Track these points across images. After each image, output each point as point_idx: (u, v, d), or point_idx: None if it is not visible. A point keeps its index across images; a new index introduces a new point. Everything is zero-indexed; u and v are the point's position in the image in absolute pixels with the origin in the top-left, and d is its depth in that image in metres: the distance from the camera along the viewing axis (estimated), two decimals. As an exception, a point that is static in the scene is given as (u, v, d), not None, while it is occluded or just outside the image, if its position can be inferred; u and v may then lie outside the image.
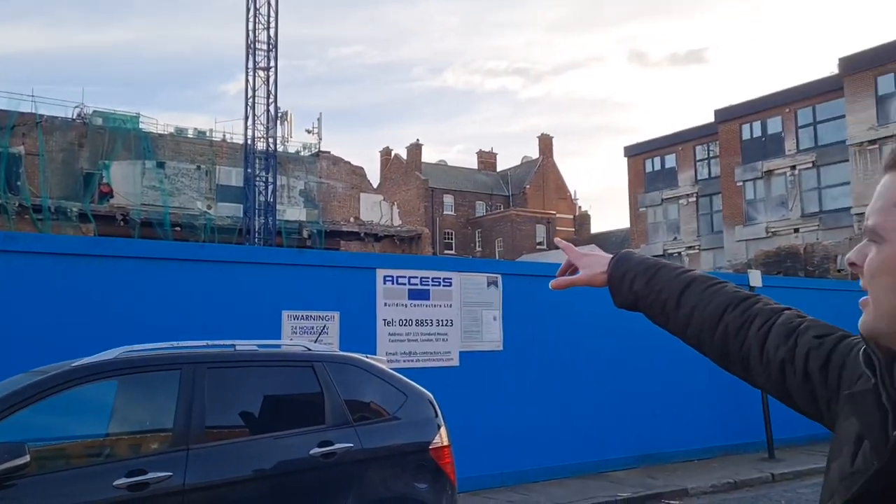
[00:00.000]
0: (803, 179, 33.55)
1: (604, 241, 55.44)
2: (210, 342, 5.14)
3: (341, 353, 5.54)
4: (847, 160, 31.06)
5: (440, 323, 8.73)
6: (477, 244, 60.47)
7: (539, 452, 9.26)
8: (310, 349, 5.23)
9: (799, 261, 28.93)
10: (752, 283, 11.25)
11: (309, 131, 35.57)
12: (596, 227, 65.99)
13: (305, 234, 29.87)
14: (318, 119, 36.15)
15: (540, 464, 9.23)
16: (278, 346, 5.96)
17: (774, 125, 34.82)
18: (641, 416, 10.27)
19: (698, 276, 1.45)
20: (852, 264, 0.99)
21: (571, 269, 1.65)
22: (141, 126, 30.79)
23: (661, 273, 1.47)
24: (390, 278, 8.49)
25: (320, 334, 7.37)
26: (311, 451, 4.59)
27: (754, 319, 1.31)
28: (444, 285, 8.82)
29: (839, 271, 27.22)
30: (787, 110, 34.19)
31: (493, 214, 61.59)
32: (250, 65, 28.06)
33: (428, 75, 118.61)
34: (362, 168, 38.37)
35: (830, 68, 32.40)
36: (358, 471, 4.72)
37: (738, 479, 9.36)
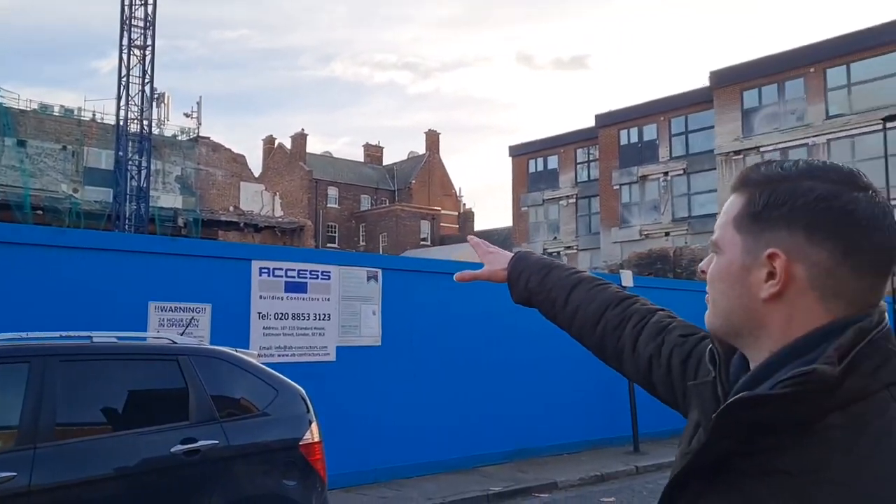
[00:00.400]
0: (675, 185, 35.30)
1: (486, 238, 55.84)
2: (64, 333, 4.81)
3: (208, 346, 5.33)
4: (715, 168, 32.92)
5: (317, 317, 8.56)
6: (361, 238, 60.14)
7: (414, 448, 9.25)
8: (174, 342, 4.99)
9: (668, 263, 30.42)
10: (623, 283, 11.68)
11: (188, 115, 34.27)
12: (479, 224, 67.10)
13: (181, 222, 28.75)
14: (198, 103, 35.01)
15: (415, 460, 9.23)
16: (143, 338, 5.66)
17: (650, 132, 36.44)
18: (516, 411, 10.46)
19: (586, 277, 1.60)
20: (703, 272, 1.11)
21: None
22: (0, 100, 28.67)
23: (553, 272, 1.61)
24: (266, 270, 8.24)
25: (188, 327, 7.07)
26: (173, 449, 4.37)
27: (631, 318, 1.46)
28: (322, 279, 8.65)
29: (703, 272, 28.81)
30: (662, 119, 35.86)
31: (378, 209, 61.42)
32: (125, 42, 26.67)
33: (315, 64, 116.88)
34: (244, 156, 37.38)
35: (703, 81, 34.22)
36: (224, 469, 4.54)
37: (604, 471, 9.70)
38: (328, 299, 8.67)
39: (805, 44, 30.71)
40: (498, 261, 1.72)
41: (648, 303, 1.50)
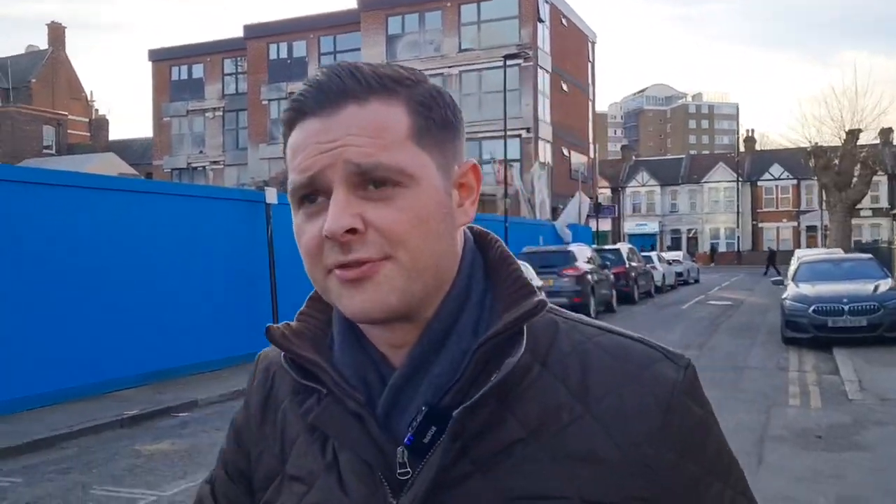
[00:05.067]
0: (322, 104, 35.81)
1: (123, 149, 51.91)
2: None
3: None
4: (360, 91, 33.98)
5: None
6: (-34, 143, 51.39)
7: (27, 379, 8.33)
8: None
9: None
10: (268, 200, 11.70)
11: None
12: (116, 133, 61.45)
13: None
14: None
15: (31, 391, 8.35)
16: None
17: (300, 49, 36.28)
18: (154, 332, 10.00)
19: None
20: (351, 231, 0.75)
21: None
22: None
23: None
24: None
25: None
26: None
27: None
28: None
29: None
30: (312, 36, 35.88)
31: (-11, 109, 52.84)
32: None
33: None
34: None
35: (352, 2, 34.84)
36: None
37: (245, 387, 9.80)
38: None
39: (445, -23, 32.73)
40: None
41: None
